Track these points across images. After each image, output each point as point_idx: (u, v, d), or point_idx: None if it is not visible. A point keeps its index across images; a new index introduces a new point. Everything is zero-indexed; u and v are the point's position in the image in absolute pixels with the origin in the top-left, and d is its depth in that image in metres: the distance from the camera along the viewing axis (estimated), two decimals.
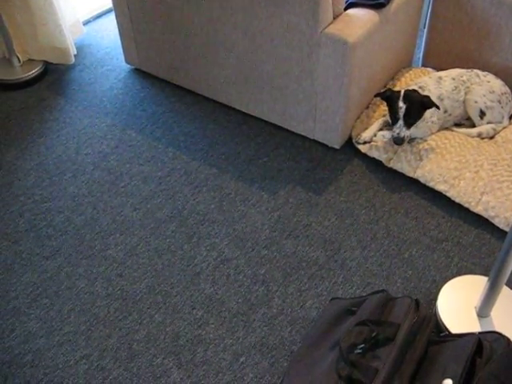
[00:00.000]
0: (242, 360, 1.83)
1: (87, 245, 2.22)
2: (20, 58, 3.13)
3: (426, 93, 2.35)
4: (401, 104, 2.26)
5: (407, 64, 2.92)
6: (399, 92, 2.29)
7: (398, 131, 2.29)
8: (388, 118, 2.38)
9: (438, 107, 2.25)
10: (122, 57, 3.23)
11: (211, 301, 2.00)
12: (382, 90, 2.38)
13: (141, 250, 2.19)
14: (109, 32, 3.55)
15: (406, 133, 2.29)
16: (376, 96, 2.40)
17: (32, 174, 2.54)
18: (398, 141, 2.30)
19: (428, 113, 2.32)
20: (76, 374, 1.81)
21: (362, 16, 2.30)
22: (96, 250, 2.20)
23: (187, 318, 1.96)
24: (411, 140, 2.40)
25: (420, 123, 2.34)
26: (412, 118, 2.28)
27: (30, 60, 3.18)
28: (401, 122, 2.28)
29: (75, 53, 3.29)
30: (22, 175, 2.54)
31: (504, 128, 2.45)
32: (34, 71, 3.10)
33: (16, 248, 2.22)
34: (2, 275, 2.12)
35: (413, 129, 2.33)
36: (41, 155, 2.65)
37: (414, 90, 2.33)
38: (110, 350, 1.87)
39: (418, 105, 2.26)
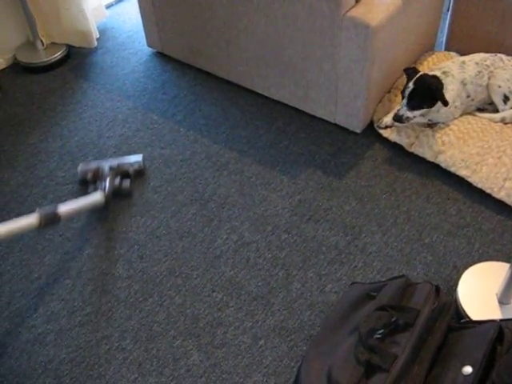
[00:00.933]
0: (261, 343, 1.84)
1: (109, 227, 2.24)
2: (43, 41, 3.15)
3: (449, 78, 2.33)
4: (410, 84, 2.26)
5: (430, 48, 2.88)
6: (418, 72, 2.29)
7: (399, 108, 2.29)
8: None
9: (445, 103, 2.22)
10: (143, 40, 3.23)
11: (231, 284, 2.02)
12: (410, 66, 2.38)
13: (162, 233, 2.21)
14: (131, 15, 3.56)
15: (406, 113, 2.27)
16: (404, 70, 2.39)
17: (55, 157, 2.57)
18: (397, 118, 2.29)
19: (451, 97, 2.30)
20: (97, 354, 1.84)
21: None
22: (117, 232, 2.22)
23: (207, 300, 1.97)
24: (433, 125, 2.38)
25: (442, 108, 2.31)
26: (415, 101, 2.25)
27: (54, 43, 3.20)
28: (404, 101, 2.27)
29: (98, 36, 3.30)
30: (45, 157, 2.57)
31: None
32: (57, 54, 3.12)
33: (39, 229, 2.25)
34: (26, 256, 2.15)
35: (434, 114, 2.31)
36: (63, 138, 2.67)
37: (434, 76, 2.30)
38: (130, 331, 1.89)
39: (425, 91, 2.24)
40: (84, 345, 1.86)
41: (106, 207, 2.28)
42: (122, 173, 2.39)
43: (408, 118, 2.29)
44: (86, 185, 2.38)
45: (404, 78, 2.35)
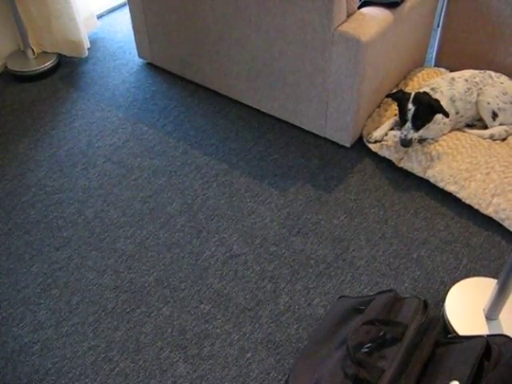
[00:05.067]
0: (248, 356, 1.83)
1: (97, 237, 2.23)
2: (34, 50, 3.15)
3: (438, 94, 2.35)
4: (410, 106, 2.26)
5: (420, 64, 2.91)
6: (410, 94, 2.29)
7: (405, 133, 2.29)
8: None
9: (446, 115, 2.24)
10: (134, 51, 3.23)
11: (219, 296, 2.01)
12: (394, 91, 2.39)
13: (150, 244, 2.20)
14: (122, 26, 3.56)
15: (413, 135, 2.29)
16: (387, 97, 2.41)
17: (44, 166, 2.56)
18: (405, 143, 2.30)
19: (439, 115, 2.31)
20: (83, 364, 1.82)
21: (375, 15, 2.30)
22: (106, 243, 2.21)
23: (195, 312, 1.97)
24: (422, 140, 2.39)
25: (431, 125, 2.33)
26: (420, 121, 2.27)
27: (44, 52, 3.20)
28: (409, 123, 2.28)
29: (89, 46, 3.30)
30: (34, 166, 2.56)
31: None
32: (48, 64, 3.12)
33: (27, 238, 2.23)
34: (13, 264, 2.14)
35: (424, 130, 2.32)
36: (53, 147, 2.66)
37: (425, 93, 2.32)
38: (117, 342, 1.88)
39: (427, 108, 2.25)
40: (70, 355, 1.85)
41: None
42: None
43: (415, 140, 2.30)
44: None
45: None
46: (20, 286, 2.07)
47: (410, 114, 2.26)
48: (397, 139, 2.39)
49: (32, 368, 1.82)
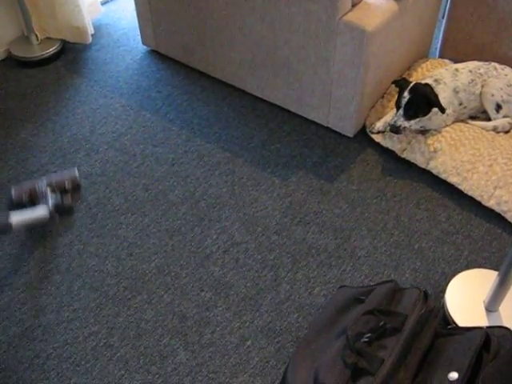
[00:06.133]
0: (248, 344, 1.84)
1: (99, 223, 2.24)
2: (38, 36, 3.14)
3: (441, 85, 2.34)
4: (405, 94, 2.27)
5: (424, 54, 2.90)
6: (410, 83, 2.30)
7: (395, 119, 2.29)
8: None
9: (442, 110, 2.24)
10: (138, 38, 3.22)
11: (220, 284, 2.02)
12: (399, 78, 2.39)
13: (152, 231, 2.20)
14: (126, 12, 3.55)
15: (403, 123, 2.28)
16: (392, 83, 2.40)
17: (47, 151, 2.56)
18: (393, 129, 2.30)
19: (443, 105, 2.31)
20: (84, 350, 1.83)
21: (380, 5, 2.29)
22: (107, 229, 2.22)
23: (195, 299, 1.97)
24: (425, 131, 2.39)
25: (433, 116, 2.32)
26: (412, 111, 2.26)
27: (48, 38, 3.18)
28: (401, 111, 2.28)
29: (92, 32, 3.29)
30: (37, 152, 2.56)
31: None
32: (52, 49, 3.11)
33: None
34: (15, 250, 2.15)
35: (426, 121, 2.32)
36: (56, 133, 2.66)
37: (426, 84, 2.31)
38: (118, 328, 1.89)
39: (422, 99, 2.25)
40: (71, 340, 1.86)
41: (51, 223, 2.23)
42: (59, 189, 2.29)
43: (405, 128, 2.30)
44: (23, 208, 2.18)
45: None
46: (22, 271, 2.07)
47: (403, 102, 2.27)
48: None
49: (33, 352, 1.83)
